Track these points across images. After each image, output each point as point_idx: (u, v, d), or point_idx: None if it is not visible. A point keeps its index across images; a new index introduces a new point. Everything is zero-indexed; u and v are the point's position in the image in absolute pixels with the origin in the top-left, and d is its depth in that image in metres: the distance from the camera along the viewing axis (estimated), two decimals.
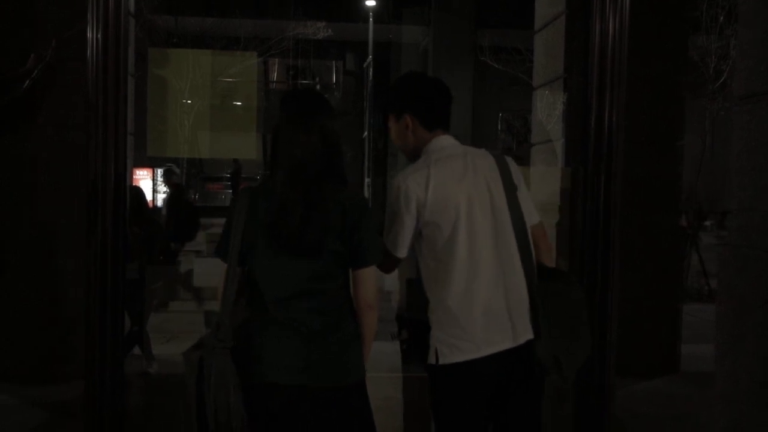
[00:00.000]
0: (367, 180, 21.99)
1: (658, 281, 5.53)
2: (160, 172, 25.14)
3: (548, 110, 5.60)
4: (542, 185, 5.43)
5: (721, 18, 10.90)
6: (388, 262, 2.61)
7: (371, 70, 22.96)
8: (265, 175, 2.53)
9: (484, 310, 2.46)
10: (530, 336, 2.49)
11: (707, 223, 11.28)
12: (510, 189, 2.55)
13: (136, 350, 5.55)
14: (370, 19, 22.88)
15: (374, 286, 2.47)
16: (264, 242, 2.37)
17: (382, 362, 6.17)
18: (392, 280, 3.07)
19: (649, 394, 5.04)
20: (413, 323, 3.50)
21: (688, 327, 5.84)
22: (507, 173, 2.58)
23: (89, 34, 3.38)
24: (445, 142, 2.64)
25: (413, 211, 2.51)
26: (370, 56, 23.05)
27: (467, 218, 2.48)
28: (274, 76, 29.20)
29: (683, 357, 5.62)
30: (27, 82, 4.57)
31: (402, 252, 2.58)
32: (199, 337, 2.47)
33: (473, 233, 2.48)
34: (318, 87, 28.83)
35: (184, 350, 2.45)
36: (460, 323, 2.46)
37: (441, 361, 2.48)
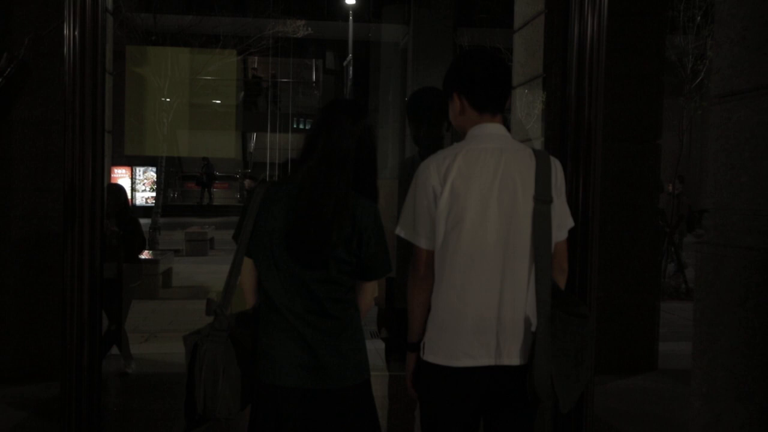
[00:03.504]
0: None
1: (636, 279, 5.57)
2: (139, 171, 25.04)
3: (527, 109, 5.62)
4: None
5: (698, 18, 10.98)
6: (415, 258, 2.42)
7: (351, 68, 22.98)
8: (289, 173, 2.47)
9: (473, 322, 2.33)
10: (521, 360, 2.34)
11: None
12: (542, 201, 2.33)
13: (115, 350, 5.51)
14: (350, 18, 22.90)
15: (374, 294, 2.49)
16: (276, 247, 2.34)
17: None
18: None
19: (627, 392, 5.07)
20: (394, 322, 3.51)
21: (667, 325, 5.88)
22: (545, 184, 2.35)
23: (66, 32, 3.34)
24: (487, 129, 2.43)
25: (431, 198, 2.35)
26: (350, 55, 23.07)
27: (477, 225, 2.31)
28: (254, 74, 29.14)
29: (661, 354, 5.66)
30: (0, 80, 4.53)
31: (424, 242, 2.38)
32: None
33: (478, 242, 2.32)
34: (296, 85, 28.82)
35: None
36: (446, 329, 2.36)
37: (424, 357, 2.42)
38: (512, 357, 2.34)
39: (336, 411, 2.37)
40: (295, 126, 25.96)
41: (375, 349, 6.14)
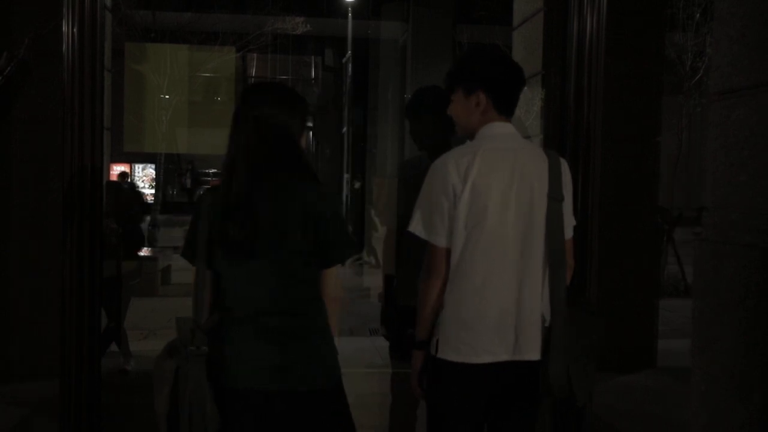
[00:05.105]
0: (346, 176, 21.99)
1: (635, 277, 5.57)
2: (138, 168, 25.04)
3: (526, 106, 5.61)
4: None
5: (698, 15, 10.99)
6: (431, 256, 2.40)
7: (350, 65, 22.94)
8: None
9: (494, 319, 2.34)
10: (536, 356, 2.37)
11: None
12: (555, 200, 2.39)
13: (114, 347, 5.52)
14: (349, 15, 22.87)
15: (338, 281, 2.39)
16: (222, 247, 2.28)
17: (360, 359, 6.19)
18: (370, 277, 3.03)
19: (627, 389, 5.08)
20: (395, 321, 3.51)
21: (666, 322, 5.89)
22: (557, 182, 2.40)
23: (64, 29, 3.34)
24: (503, 129, 2.47)
25: (450, 196, 2.33)
26: (349, 52, 23.03)
27: (497, 223, 2.33)
28: (253, 71, 29.13)
29: (660, 352, 5.67)
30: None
31: (441, 240, 2.36)
32: (167, 342, 2.37)
33: (499, 240, 2.33)
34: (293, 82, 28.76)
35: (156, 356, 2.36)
36: (466, 326, 2.35)
37: (438, 355, 2.39)
38: (529, 352, 2.37)
39: (305, 415, 2.29)
40: None
41: (374, 347, 6.16)
